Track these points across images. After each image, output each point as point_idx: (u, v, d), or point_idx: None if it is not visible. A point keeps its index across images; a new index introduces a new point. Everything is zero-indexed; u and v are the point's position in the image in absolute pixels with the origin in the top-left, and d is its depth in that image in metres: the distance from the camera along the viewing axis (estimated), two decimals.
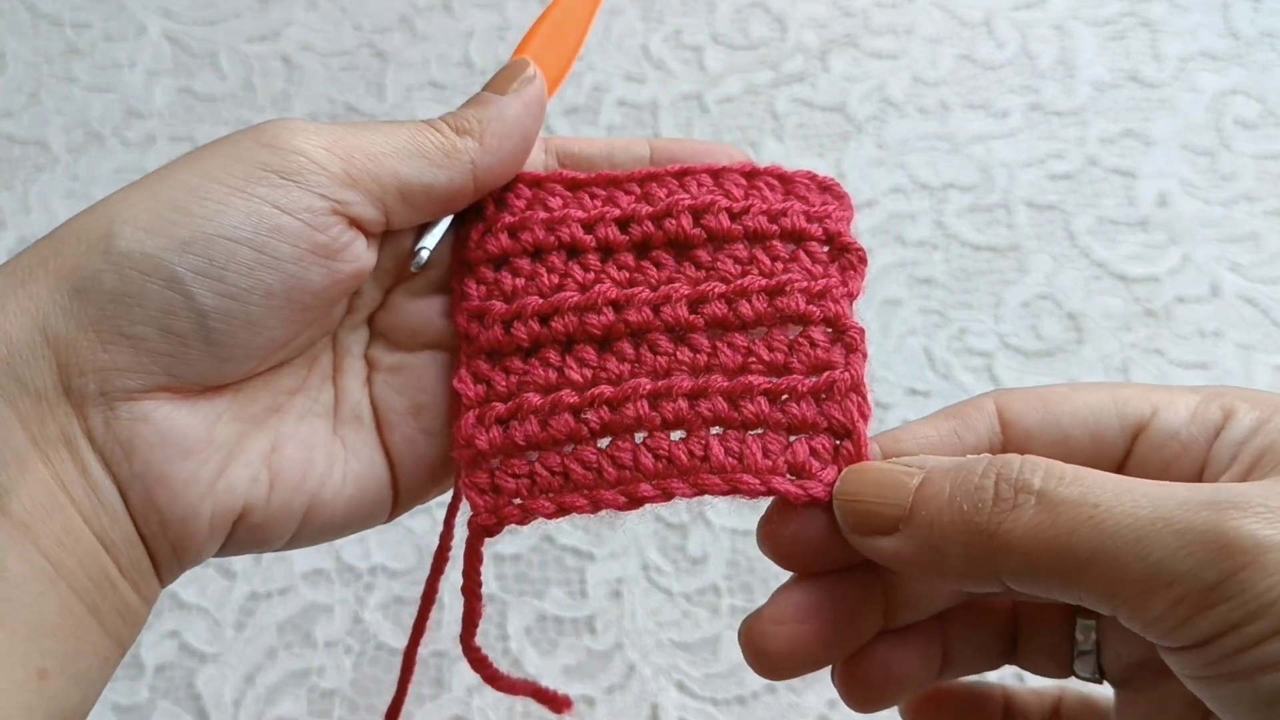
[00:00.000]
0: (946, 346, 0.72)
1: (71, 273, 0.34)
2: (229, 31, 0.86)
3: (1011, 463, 0.33)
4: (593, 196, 0.42)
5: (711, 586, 0.65)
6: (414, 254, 0.41)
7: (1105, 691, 0.41)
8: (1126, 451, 0.36)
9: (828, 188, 0.42)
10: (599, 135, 0.81)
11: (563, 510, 0.38)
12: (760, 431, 0.38)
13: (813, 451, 0.37)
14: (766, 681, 0.62)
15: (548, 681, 0.62)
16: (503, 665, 0.63)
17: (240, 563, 0.65)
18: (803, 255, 0.40)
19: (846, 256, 0.40)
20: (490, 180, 0.41)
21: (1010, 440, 0.37)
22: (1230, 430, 0.34)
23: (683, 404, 0.38)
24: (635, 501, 0.37)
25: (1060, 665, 0.41)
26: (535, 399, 0.39)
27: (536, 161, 0.44)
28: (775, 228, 0.40)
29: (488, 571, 0.65)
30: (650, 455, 0.37)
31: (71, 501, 0.34)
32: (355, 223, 0.38)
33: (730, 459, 0.37)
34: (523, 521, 0.38)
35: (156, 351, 0.35)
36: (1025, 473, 0.32)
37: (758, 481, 0.37)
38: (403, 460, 0.42)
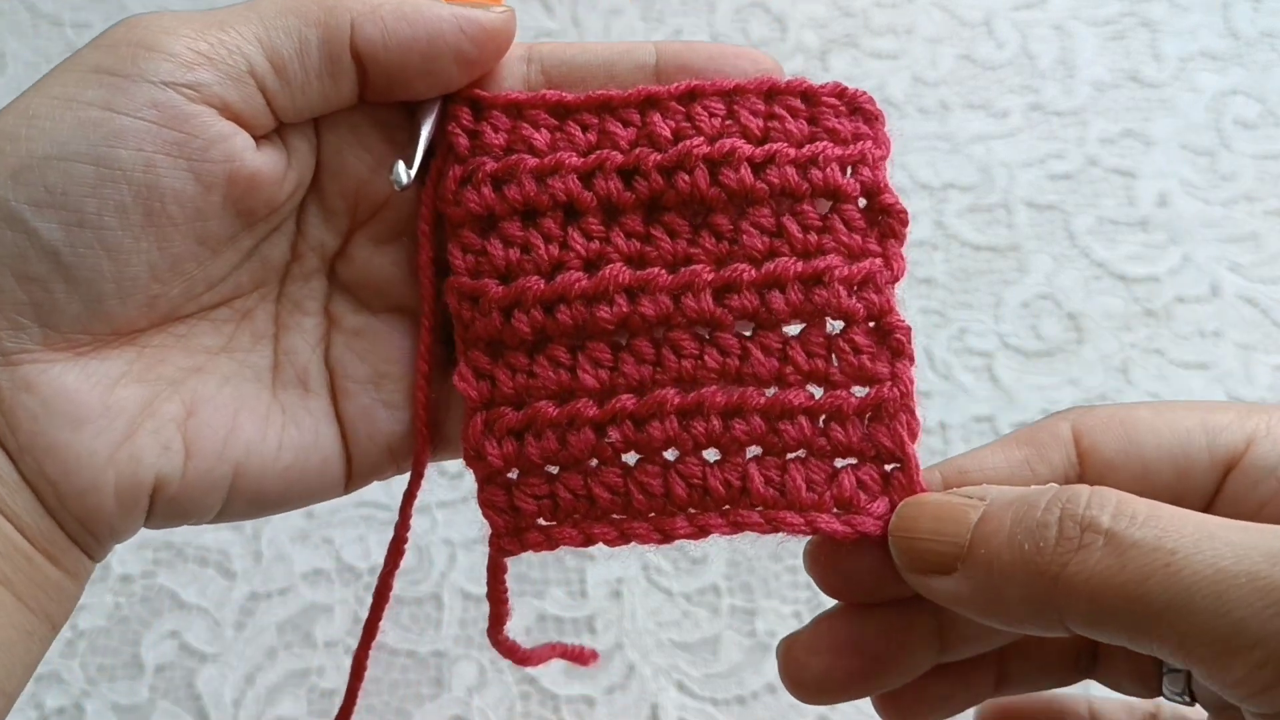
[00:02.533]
0: (946, 346, 0.72)
1: None
2: None
3: (1079, 496, 0.30)
4: (584, 129, 0.37)
5: (711, 586, 0.65)
6: (391, 171, 0.36)
7: (1201, 713, 0.39)
8: (1217, 488, 0.33)
9: (859, 108, 0.37)
10: None
11: (590, 540, 0.35)
12: (801, 455, 0.34)
13: (860, 484, 0.34)
14: (766, 681, 0.62)
15: (547, 682, 0.62)
16: (503, 665, 0.63)
17: (240, 563, 0.65)
18: (838, 223, 0.35)
19: (887, 220, 0.36)
20: (380, 66, 0.35)
21: (1088, 472, 0.34)
22: None
23: (716, 422, 0.34)
24: (669, 538, 0.34)
25: (1147, 685, 0.38)
26: (550, 410, 0.35)
27: (517, 75, 0.38)
28: (805, 184, 0.35)
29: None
30: (683, 484, 0.34)
31: None
32: (228, 112, 0.33)
33: (771, 490, 0.34)
34: (549, 549, 0.35)
35: (19, 301, 0.31)
36: (1093, 509, 0.29)
37: (802, 520, 0.33)
38: (358, 433, 0.38)
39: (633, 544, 0.35)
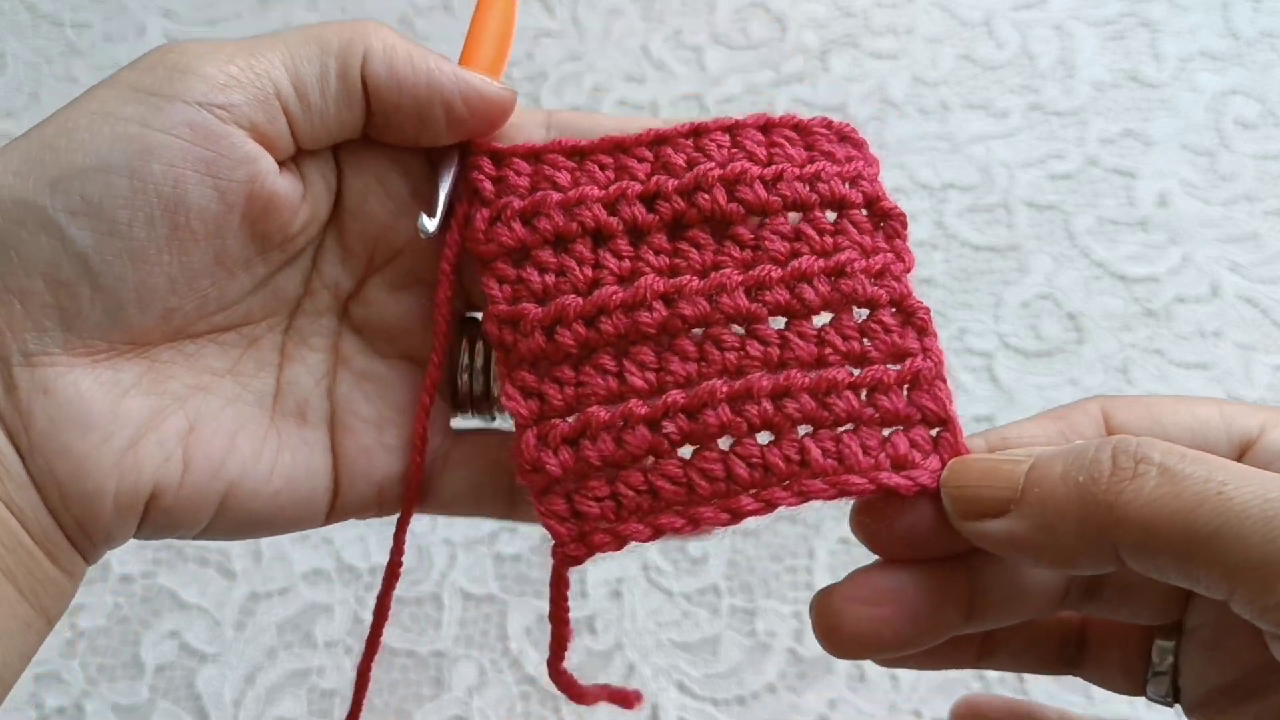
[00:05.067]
0: (946, 346, 0.72)
1: None
2: (229, 32, 0.86)
3: (1128, 439, 0.31)
4: (602, 167, 0.39)
5: (711, 586, 0.65)
6: (417, 220, 0.38)
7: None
8: None
9: (846, 136, 0.39)
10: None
11: (659, 532, 0.35)
12: (851, 427, 0.36)
13: (913, 444, 0.36)
14: (767, 681, 0.62)
15: (547, 682, 0.62)
16: (503, 665, 0.63)
17: (240, 563, 0.65)
18: (848, 225, 0.38)
19: (889, 223, 0.38)
20: (381, 102, 0.37)
21: None
22: None
23: (767, 405, 0.35)
24: (737, 516, 0.34)
25: (1131, 682, 0.40)
26: (602, 413, 0.36)
27: (536, 140, 0.40)
28: (814, 195, 0.37)
29: (487, 572, 0.65)
30: (744, 464, 0.35)
31: None
32: (255, 133, 0.35)
33: (830, 460, 0.35)
34: (616, 548, 0.35)
35: (47, 304, 0.33)
36: (1144, 447, 0.31)
37: (865, 480, 0.34)
38: (352, 469, 0.39)
39: (701, 528, 0.35)
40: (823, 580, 0.64)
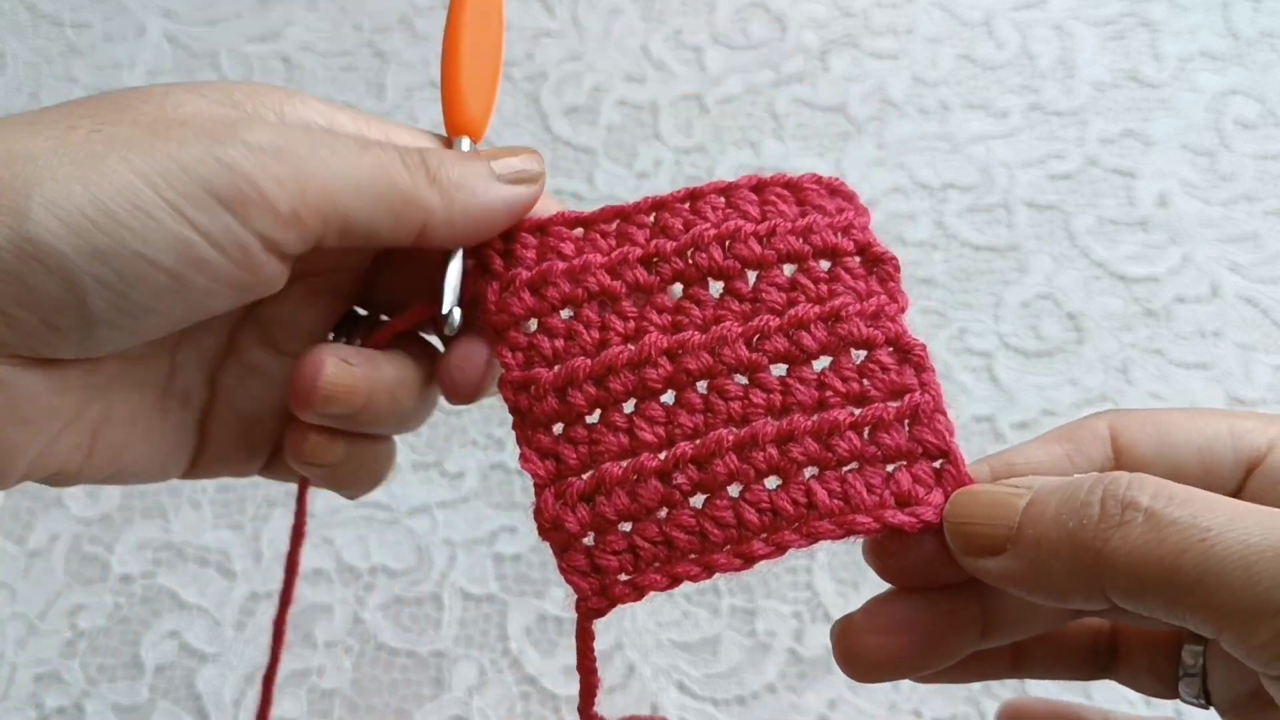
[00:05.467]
0: (946, 346, 0.72)
1: None
2: (229, 32, 0.86)
3: (1120, 480, 0.32)
4: (604, 235, 0.40)
5: (711, 586, 0.65)
6: (445, 317, 0.39)
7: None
8: (1240, 486, 0.35)
9: (836, 190, 0.41)
10: (599, 135, 0.81)
11: (676, 581, 0.36)
12: (856, 466, 0.37)
13: (916, 479, 0.37)
14: (766, 681, 0.62)
15: (548, 682, 0.62)
16: (503, 665, 0.63)
17: (240, 563, 0.65)
18: (841, 273, 0.39)
19: (882, 267, 0.39)
20: (430, 241, 0.38)
21: (1124, 467, 0.36)
22: None
23: (773, 451, 0.36)
24: (750, 561, 0.36)
25: (1164, 685, 0.40)
26: (615, 470, 0.37)
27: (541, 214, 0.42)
28: (808, 247, 0.39)
29: (487, 572, 0.65)
30: (754, 510, 0.36)
31: None
32: (287, 259, 0.35)
33: (836, 501, 0.36)
34: (637, 599, 0.36)
35: (29, 334, 0.32)
36: (1133, 490, 0.31)
37: (871, 520, 0.36)
38: (217, 447, 0.40)
39: (716, 575, 0.36)
40: (823, 580, 0.65)
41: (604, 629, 0.63)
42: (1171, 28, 0.85)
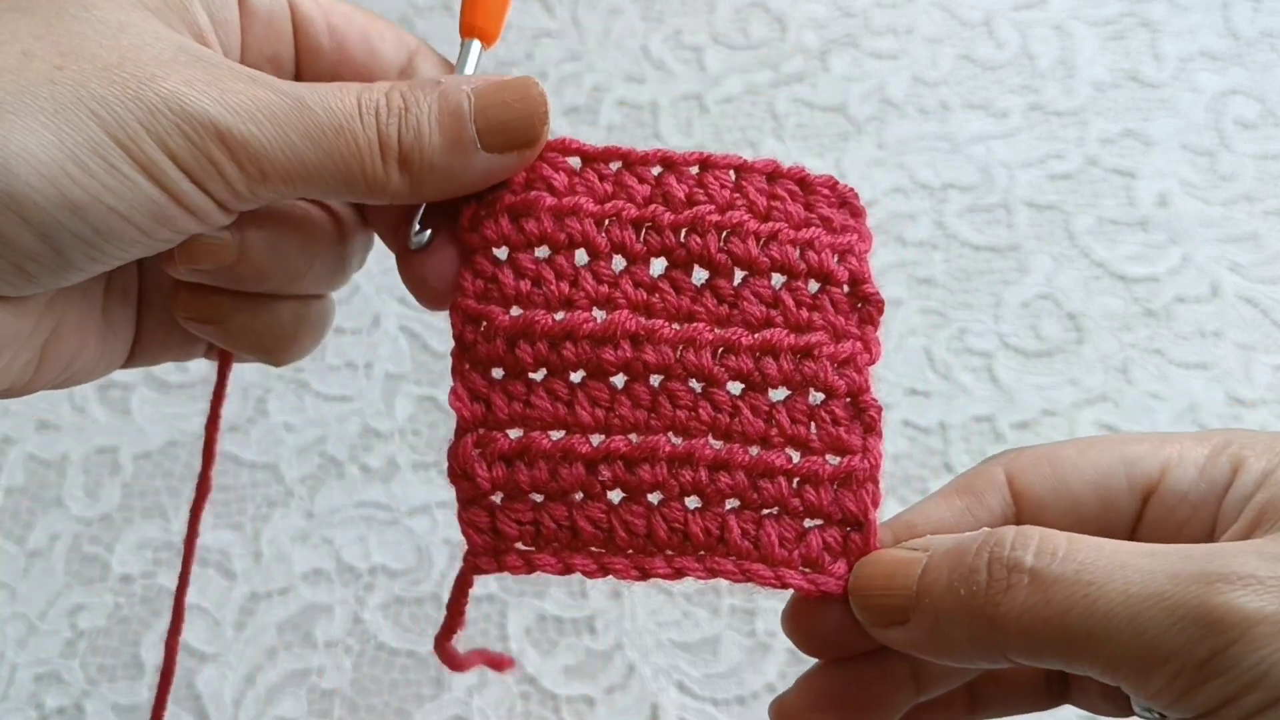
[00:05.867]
0: (946, 346, 0.72)
1: None
2: None
3: (1004, 539, 0.32)
4: (601, 178, 0.38)
5: (711, 586, 0.65)
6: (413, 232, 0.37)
7: None
8: (1138, 515, 0.36)
9: (846, 201, 0.40)
10: (599, 135, 0.81)
11: (569, 570, 0.36)
12: (776, 512, 0.37)
13: (825, 545, 0.37)
14: (767, 681, 0.62)
15: (548, 682, 0.62)
16: None
17: (240, 563, 0.65)
18: (826, 303, 0.38)
19: (866, 308, 0.39)
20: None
21: (1023, 512, 0.37)
22: (1237, 486, 0.34)
23: (703, 474, 0.36)
24: (646, 575, 0.36)
25: (1118, 705, 0.40)
26: (545, 442, 0.36)
27: None
28: (802, 264, 0.38)
29: None
30: (665, 525, 0.36)
31: None
32: (235, 211, 0.35)
33: (747, 542, 0.36)
34: (527, 573, 0.36)
35: (2, 279, 0.32)
36: (1017, 550, 0.32)
37: (771, 574, 0.36)
38: (152, 333, 0.40)
39: (609, 577, 0.36)
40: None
41: (604, 629, 0.63)
42: (1171, 28, 0.85)
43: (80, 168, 0.31)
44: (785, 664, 0.62)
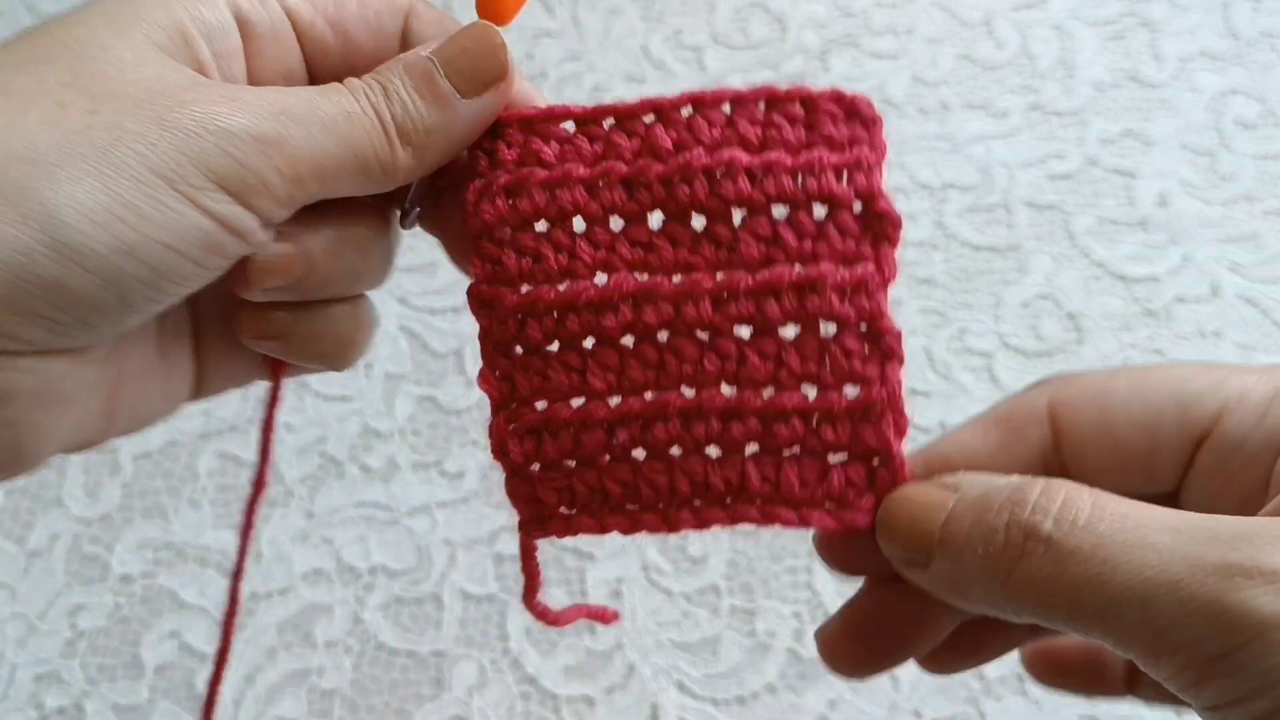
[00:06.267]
0: (946, 346, 0.72)
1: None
2: None
3: (1028, 498, 0.32)
4: (592, 139, 0.38)
5: (711, 586, 0.65)
6: (404, 213, 0.38)
7: None
8: (1189, 460, 0.35)
9: (855, 112, 0.38)
10: None
11: (604, 529, 0.37)
12: (795, 452, 0.36)
13: (849, 481, 0.36)
14: (766, 681, 0.62)
15: (548, 682, 0.62)
16: (503, 665, 0.63)
17: None
18: (832, 229, 0.36)
19: (880, 226, 0.36)
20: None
21: (1064, 449, 0.36)
22: None
23: (716, 425, 0.36)
24: (674, 527, 0.37)
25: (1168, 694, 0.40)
26: (564, 411, 0.37)
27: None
28: (802, 192, 0.36)
29: (487, 572, 0.65)
30: (687, 480, 0.36)
31: None
32: (273, 225, 0.36)
33: (767, 486, 0.36)
34: (573, 535, 0.38)
35: (65, 333, 0.33)
36: (1038, 513, 0.31)
37: (795, 515, 0.36)
38: (214, 365, 0.41)
39: (642, 532, 0.37)
40: (823, 580, 0.64)
41: (604, 629, 0.63)
42: (1171, 28, 0.85)
43: (129, 209, 0.31)
44: (785, 664, 0.62)
